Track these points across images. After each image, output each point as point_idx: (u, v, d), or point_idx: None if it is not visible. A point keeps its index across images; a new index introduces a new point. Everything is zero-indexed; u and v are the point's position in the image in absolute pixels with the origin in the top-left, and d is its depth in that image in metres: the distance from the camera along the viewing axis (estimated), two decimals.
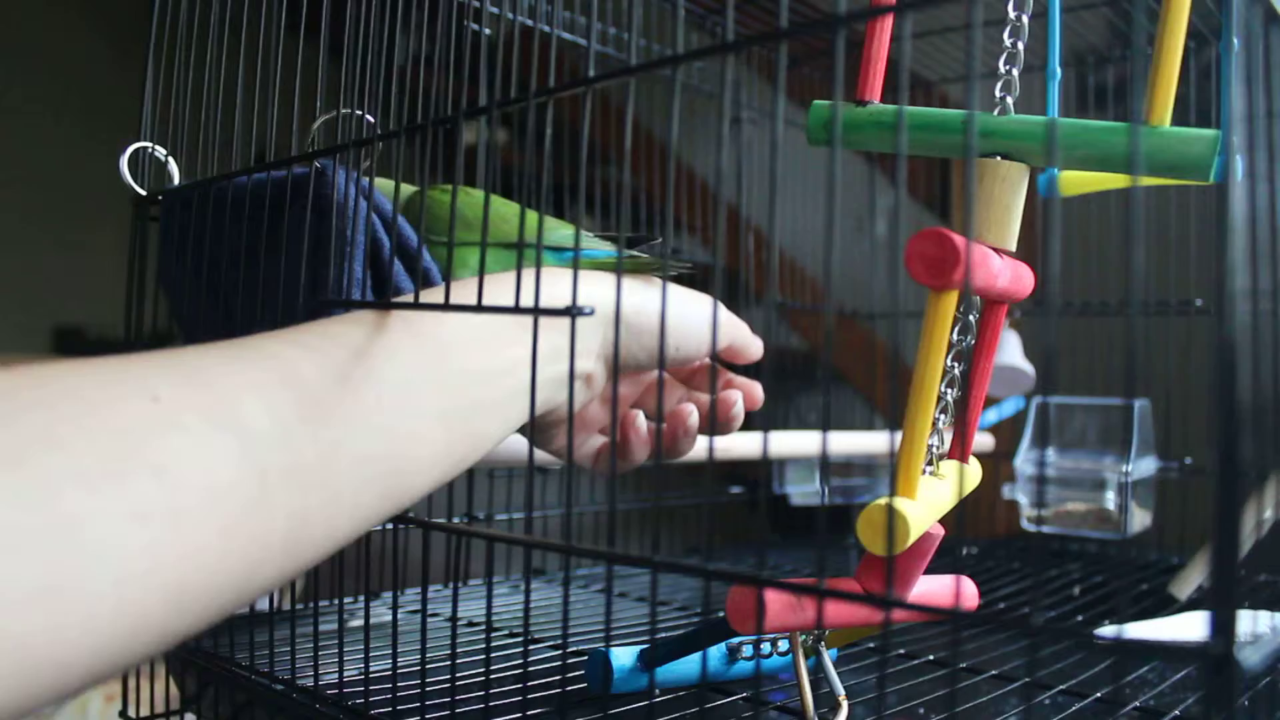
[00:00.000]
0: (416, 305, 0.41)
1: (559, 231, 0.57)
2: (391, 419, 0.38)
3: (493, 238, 0.54)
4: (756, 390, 0.54)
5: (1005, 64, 0.42)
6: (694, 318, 0.50)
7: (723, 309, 0.53)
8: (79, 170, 2.22)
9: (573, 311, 0.37)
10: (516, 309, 0.39)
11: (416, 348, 0.40)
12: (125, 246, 0.62)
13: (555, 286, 0.42)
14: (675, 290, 0.50)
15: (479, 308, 0.40)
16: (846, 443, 0.92)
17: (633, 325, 0.47)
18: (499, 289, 0.42)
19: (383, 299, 0.46)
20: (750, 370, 0.55)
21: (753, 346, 0.55)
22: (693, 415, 0.50)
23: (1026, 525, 0.93)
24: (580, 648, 0.62)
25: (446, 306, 0.40)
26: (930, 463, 0.42)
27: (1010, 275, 0.41)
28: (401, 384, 0.39)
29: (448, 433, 0.40)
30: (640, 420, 0.51)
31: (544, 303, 0.39)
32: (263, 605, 0.58)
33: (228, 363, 0.36)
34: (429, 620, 0.50)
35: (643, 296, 0.48)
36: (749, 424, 0.54)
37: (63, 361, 0.32)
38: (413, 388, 0.39)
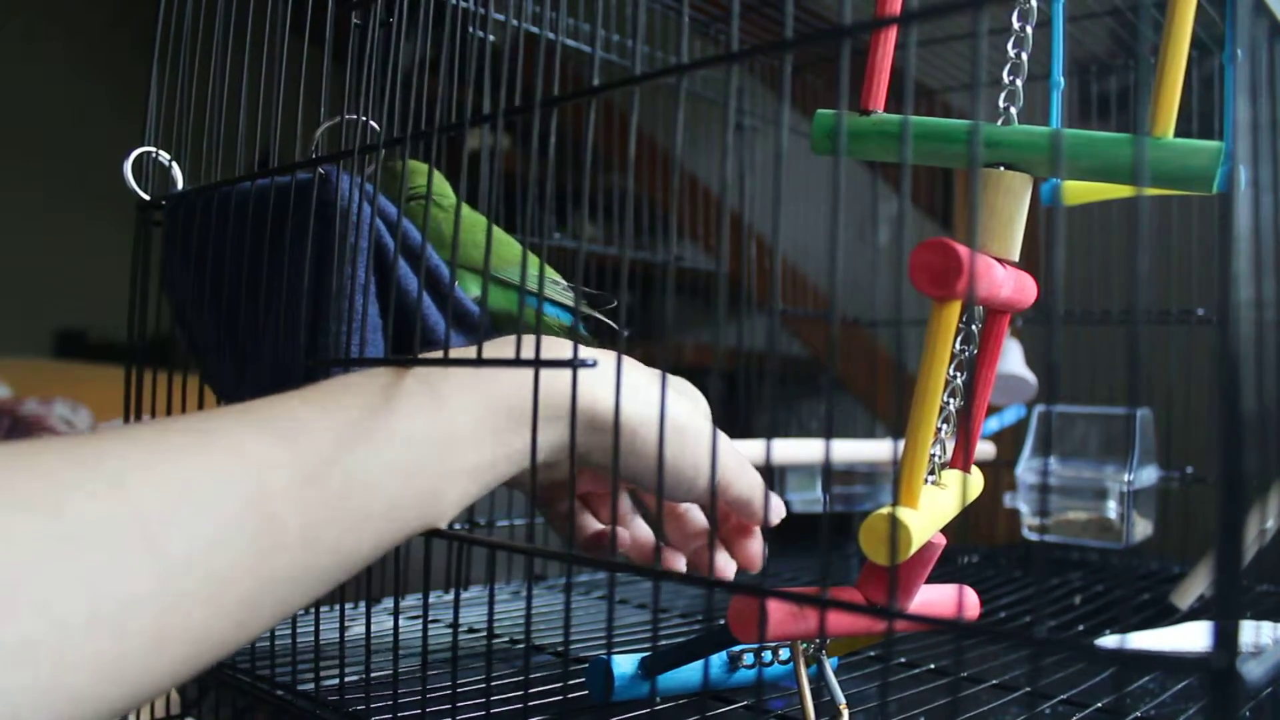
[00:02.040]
0: (417, 361, 0.41)
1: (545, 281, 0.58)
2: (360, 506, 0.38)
3: (491, 268, 0.55)
4: (755, 558, 0.50)
5: (1009, 74, 0.42)
6: (687, 455, 0.45)
7: (729, 448, 0.48)
8: (81, 171, 2.22)
9: (574, 364, 0.37)
10: (517, 361, 0.39)
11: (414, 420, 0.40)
12: (128, 249, 0.62)
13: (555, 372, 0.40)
14: (674, 408, 0.45)
15: (479, 361, 0.40)
16: (848, 450, 0.92)
17: (601, 430, 0.43)
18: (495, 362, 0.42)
19: (392, 330, 0.46)
20: (754, 378, 0.54)
21: (755, 506, 0.48)
22: (680, 561, 0.50)
23: (1028, 534, 0.92)
24: (581, 655, 0.62)
25: (447, 361, 0.40)
26: (932, 472, 0.42)
27: (1013, 285, 0.41)
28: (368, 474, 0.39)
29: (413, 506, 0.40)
30: (640, 540, 0.51)
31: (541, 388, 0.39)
32: None
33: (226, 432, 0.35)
34: (430, 626, 0.50)
35: (637, 407, 0.43)
36: (751, 432, 0.54)
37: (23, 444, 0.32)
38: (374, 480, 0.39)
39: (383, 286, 0.51)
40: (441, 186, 0.59)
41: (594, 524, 0.52)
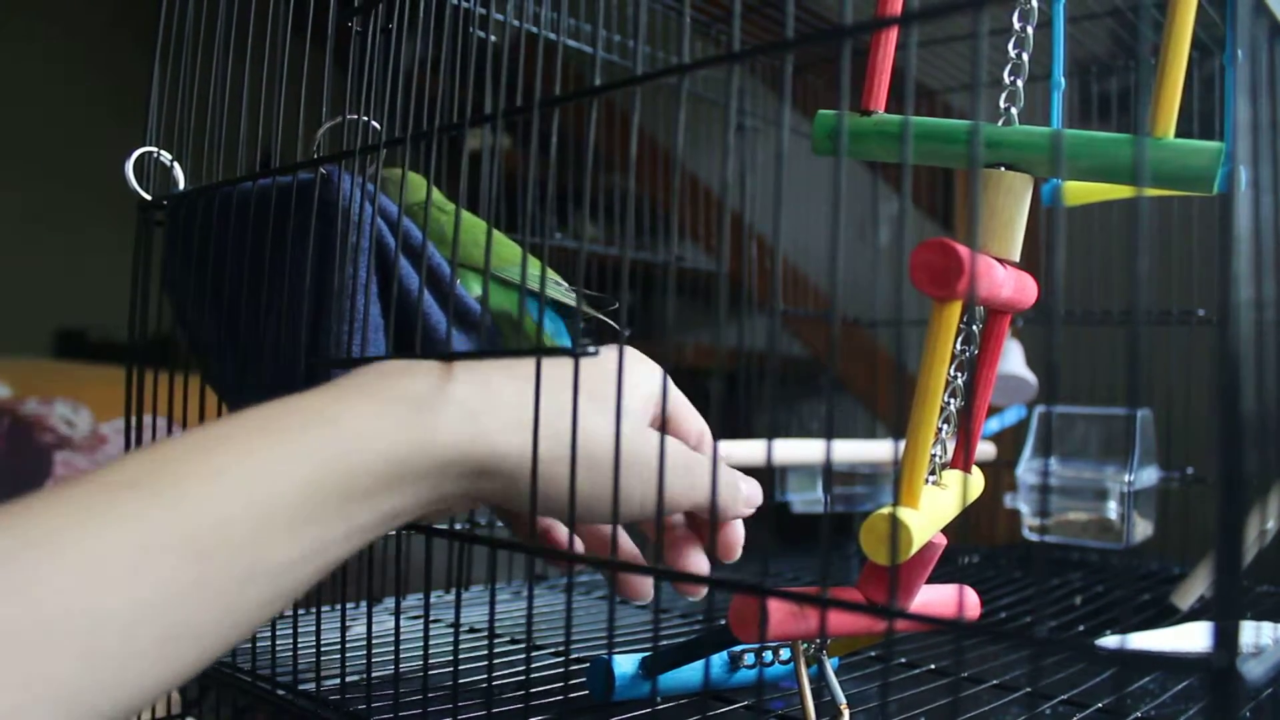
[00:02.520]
0: (417, 355, 0.40)
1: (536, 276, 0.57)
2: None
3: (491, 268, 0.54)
4: (730, 549, 0.46)
5: (1010, 75, 0.42)
6: (600, 489, 0.38)
7: (679, 451, 0.42)
8: (81, 171, 2.22)
9: (575, 352, 0.37)
10: (520, 351, 0.38)
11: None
12: (128, 248, 0.62)
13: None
14: (580, 437, 0.37)
15: (485, 353, 0.39)
16: (848, 451, 0.92)
17: (492, 475, 0.38)
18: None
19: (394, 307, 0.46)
20: (754, 378, 0.54)
21: (736, 503, 0.44)
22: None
23: (1028, 534, 0.92)
24: (582, 655, 0.62)
25: (452, 356, 0.39)
26: (933, 472, 0.42)
27: (1014, 285, 0.41)
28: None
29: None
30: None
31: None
32: None
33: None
34: (431, 626, 0.50)
35: (521, 443, 0.37)
36: (752, 432, 0.54)
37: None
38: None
39: (384, 286, 0.52)
40: (440, 197, 0.59)
41: (556, 529, 0.48)
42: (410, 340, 0.51)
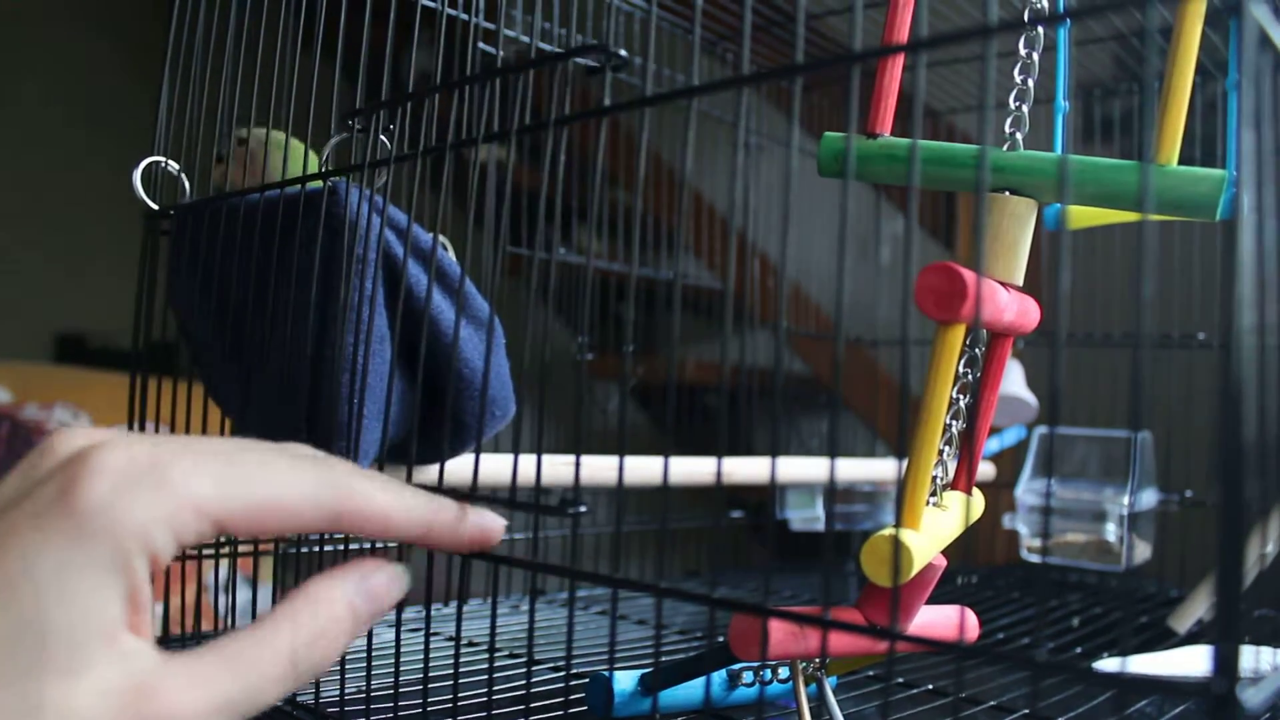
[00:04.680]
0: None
1: None
2: None
3: None
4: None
5: (1015, 100, 0.42)
6: None
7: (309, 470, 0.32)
8: (82, 176, 2.23)
9: (573, 511, 0.37)
10: (513, 504, 0.38)
11: None
12: (129, 253, 0.62)
13: None
14: None
15: (473, 495, 0.38)
16: (848, 469, 0.92)
17: None
18: None
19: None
20: (754, 395, 0.54)
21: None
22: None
23: (1026, 555, 0.93)
24: (582, 670, 0.62)
25: (441, 489, 0.37)
26: (934, 494, 0.43)
27: (1017, 309, 0.41)
28: None
29: None
30: None
31: None
32: None
33: None
34: (431, 639, 0.50)
35: None
36: (752, 449, 0.54)
37: None
38: None
39: (390, 296, 0.52)
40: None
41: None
42: (415, 348, 0.51)
